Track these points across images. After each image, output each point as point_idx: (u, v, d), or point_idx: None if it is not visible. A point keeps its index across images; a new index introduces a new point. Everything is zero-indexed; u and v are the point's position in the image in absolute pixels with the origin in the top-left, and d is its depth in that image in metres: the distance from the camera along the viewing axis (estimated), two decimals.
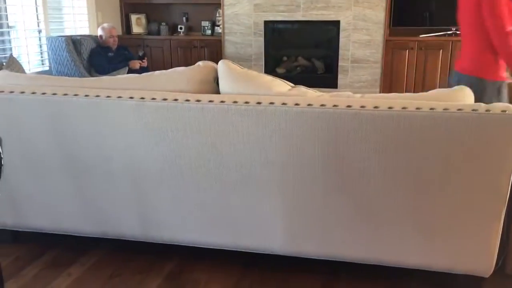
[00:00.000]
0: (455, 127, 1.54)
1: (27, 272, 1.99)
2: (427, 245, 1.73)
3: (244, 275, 1.95)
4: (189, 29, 5.79)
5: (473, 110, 1.52)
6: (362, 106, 1.61)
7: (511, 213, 1.80)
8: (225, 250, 1.98)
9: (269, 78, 1.87)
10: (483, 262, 1.71)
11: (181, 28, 5.68)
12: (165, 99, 1.75)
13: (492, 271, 1.73)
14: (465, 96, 1.67)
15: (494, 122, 1.51)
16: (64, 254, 2.13)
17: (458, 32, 4.99)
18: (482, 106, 1.53)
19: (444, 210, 1.66)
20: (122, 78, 1.96)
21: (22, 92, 1.86)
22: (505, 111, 1.50)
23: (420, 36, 5.05)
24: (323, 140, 1.66)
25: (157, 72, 1.94)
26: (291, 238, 1.84)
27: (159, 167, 1.84)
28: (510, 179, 1.57)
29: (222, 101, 1.72)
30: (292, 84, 1.88)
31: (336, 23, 5.12)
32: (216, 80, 1.90)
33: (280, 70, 5.52)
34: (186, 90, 1.83)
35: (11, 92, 1.87)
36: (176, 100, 1.75)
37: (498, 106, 1.51)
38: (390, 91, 5.09)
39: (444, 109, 1.54)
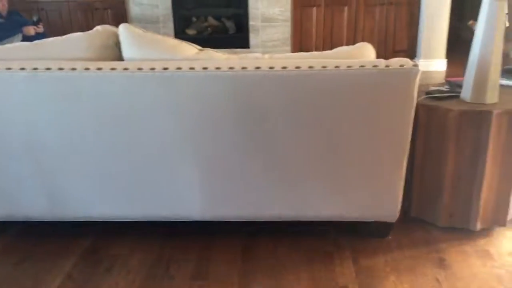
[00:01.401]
0: (359, 83, 1.59)
1: None
2: (338, 197, 1.80)
3: (165, 246, 1.93)
4: None
5: (374, 66, 1.57)
6: (270, 67, 1.61)
7: (412, 161, 1.93)
8: (145, 222, 1.94)
9: (175, 41, 1.80)
10: (390, 209, 1.82)
11: None
12: (61, 69, 1.62)
13: (397, 216, 1.85)
14: (366, 52, 1.72)
15: (393, 76, 1.57)
16: None
17: None
18: (382, 62, 1.58)
19: (352, 162, 1.73)
20: (11, 48, 1.78)
21: None
22: (403, 65, 1.56)
23: None
24: (233, 102, 1.64)
25: (50, 39, 1.79)
26: (208, 203, 1.83)
27: (62, 141, 1.72)
28: (410, 129, 1.66)
29: (125, 68, 1.63)
30: (200, 47, 1.82)
31: None
32: (118, 45, 1.79)
33: (190, 32, 5.37)
34: (85, 58, 1.71)
35: None
36: (74, 69, 1.62)
37: (396, 62, 1.58)
38: (300, 49, 5.18)
39: (348, 67, 1.57)
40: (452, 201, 1.94)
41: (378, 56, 1.74)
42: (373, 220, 1.89)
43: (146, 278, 1.73)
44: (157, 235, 1.99)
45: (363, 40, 4.93)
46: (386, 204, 1.82)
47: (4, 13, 4.23)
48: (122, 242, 1.95)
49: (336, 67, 1.58)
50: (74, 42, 1.75)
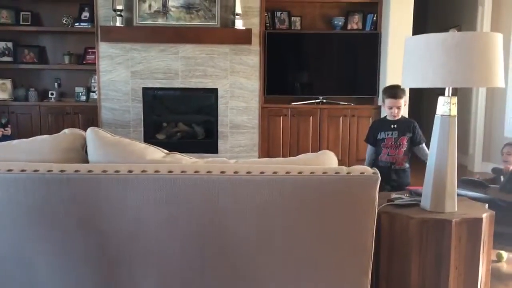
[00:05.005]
0: (322, 189, 1.62)
1: None
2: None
3: None
4: (62, 95, 5.53)
5: (336, 172, 1.62)
6: (235, 172, 1.63)
7: (377, 269, 1.91)
8: None
9: (142, 145, 1.82)
10: None
11: (52, 94, 5.40)
12: (23, 170, 1.59)
13: None
14: (329, 159, 1.78)
15: (354, 183, 1.62)
16: None
17: (324, 100, 5.46)
18: (344, 169, 1.63)
19: (316, 270, 1.70)
20: None
21: None
22: (363, 173, 1.62)
23: (292, 103, 5.42)
24: (198, 207, 1.63)
25: (16, 141, 1.79)
26: None
27: (13, 252, 1.64)
28: (372, 236, 1.67)
29: (89, 171, 1.62)
30: (167, 151, 1.85)
31: (214, 91, 5.29)
32: (85, 148, 1.80)
33: (160, 136, 5.47)
34: (50, 160, 1.70)
35: None
36: (36, 170, 1.60)
37: (357, 169, 1.64)
38: (268, 155, 5.31)
39: (311, 173, 1.62)
40: None
41: (343, 164, 1.80)
42: None
43: None
44: None
45: (328, 148, 5.13)
46: None
47: None
48: None
49: (299, 172, 1.62)
50: (40, 144, 1.75)
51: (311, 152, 4.05)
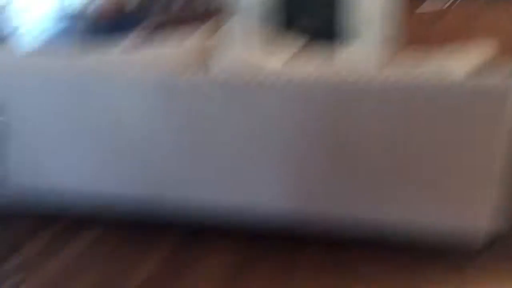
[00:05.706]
0: (446, 99, 1.56)
1: (28, 248, 1.97)
2: (423, 203, 1.72)
3: (247, 251, 1.91)
4: None
5: (467, 80, 1.55)
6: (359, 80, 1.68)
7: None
8: (227, 226, 1.98)
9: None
10: (475, 225, 1.69)
11: None
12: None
13: (482, 235, 1.70)
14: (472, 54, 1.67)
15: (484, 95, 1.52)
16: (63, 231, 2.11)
17: None
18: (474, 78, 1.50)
19: (437, 190, 1.64)
20: None
21: None
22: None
23: None
24: (327, 112, 1.70)
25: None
26: (293, 202, 1.87)
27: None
28: (503, 160, 1.51)
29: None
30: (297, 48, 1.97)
31: None
32: None
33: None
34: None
35: None
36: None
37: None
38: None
39: (438, 81, 1.56)
40: None
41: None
42: (450, 234, 1.74)
43: (227, 279, 1.76)
44: (240, 239, 1.98)
45: None
46: (471, 220, 1.69)
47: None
48: (204, 243, 1.97)
49: (426, 80, 1.55)
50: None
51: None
